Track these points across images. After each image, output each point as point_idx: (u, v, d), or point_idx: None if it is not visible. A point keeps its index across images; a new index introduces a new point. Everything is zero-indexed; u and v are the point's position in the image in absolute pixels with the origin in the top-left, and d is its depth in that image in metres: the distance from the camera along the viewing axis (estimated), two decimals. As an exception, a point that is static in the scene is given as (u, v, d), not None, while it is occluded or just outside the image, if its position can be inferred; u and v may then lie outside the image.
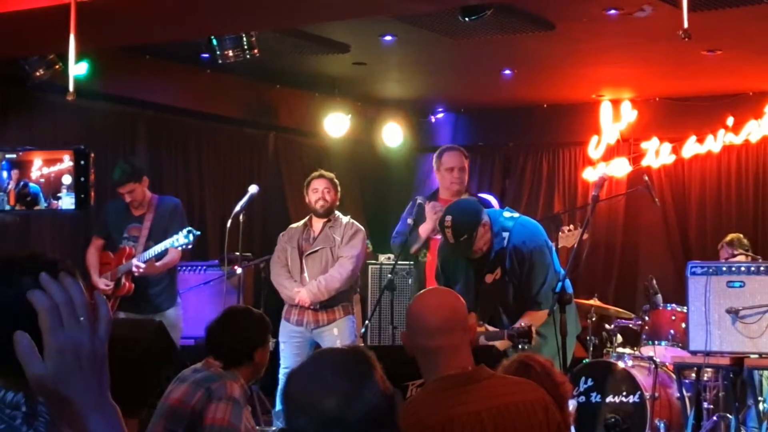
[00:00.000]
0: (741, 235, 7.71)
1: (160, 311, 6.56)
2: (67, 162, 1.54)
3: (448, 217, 5.09)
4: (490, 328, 5.13)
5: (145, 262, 6.41)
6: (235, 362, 4.01)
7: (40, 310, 1.37)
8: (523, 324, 5.00)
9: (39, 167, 1.58)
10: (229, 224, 6.60)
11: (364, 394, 1.93)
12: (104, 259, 6.63)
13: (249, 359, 4.02)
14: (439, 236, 6.04)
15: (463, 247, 5.09)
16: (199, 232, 6.47)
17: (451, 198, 6.05)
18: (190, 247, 6.46)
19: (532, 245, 5.21)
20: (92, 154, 1.58)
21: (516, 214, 5.40)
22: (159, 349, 4.91)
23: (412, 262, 6.31)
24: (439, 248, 5.59)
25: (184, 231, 6.37)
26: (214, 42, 6.67)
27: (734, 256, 7.25)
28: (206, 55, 7.36)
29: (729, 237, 7.70)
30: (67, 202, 1.75)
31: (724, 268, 5.88)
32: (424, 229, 6.09)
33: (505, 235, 5.20)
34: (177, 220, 6.54)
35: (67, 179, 1.56)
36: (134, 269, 6.41)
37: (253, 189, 6.75)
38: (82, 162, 1.57)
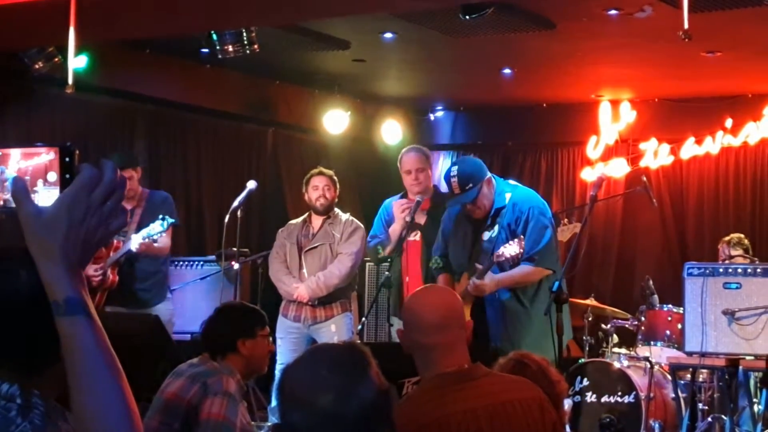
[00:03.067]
0: (742, 236, 7.68)
1: (149, 306, 6.50)
2: (44, 157, 1.55)
3: (454, 168, 5.27)
4: (479, 265, 5.16)
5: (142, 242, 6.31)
6: (218, 351, 3.99)
7: (84, 168, 1.44)
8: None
9: (17, 160, 1.58)
10: (226, 220, 6.59)
11: (360, 390, 1.93)
12: (98, 253, 6.56)
13: (232, 349, 4.00)
14: (414, 237, 6.08)
15: (467, 197, 5.16)
16: (173, 220, 6.39)
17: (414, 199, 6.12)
18: (163, 235, 6.35)
19: (531, 204, 5.31)
20: (77, 151, 1.60)
21: (519, 184, 5.53)
22: (155, 344, 4.90)
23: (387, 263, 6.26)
24: (443, 218, 5.65)
25: (159, 220, 6.28)
26: (214, 37, 6.65)
27: (731, 256, 7.24)
28: (206, 50, 7.34)
29: (729, 236, 7.67)
30: (44, 196, 1.76)
31: (721, 270, 5.88)
32: (393, 230, 6.11)
33: (507, 195, 5.28)
34: (166, 213, 6.47)
35: (52, 176, 1.57)
36: (137, 248, 6.26)
37: (251, 185, 6.74)
38: (68, 159, 1.59)
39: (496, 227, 5.28)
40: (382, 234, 6.30)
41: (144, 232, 6.26)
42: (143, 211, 6.50)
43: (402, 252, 6.08)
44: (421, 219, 6.13)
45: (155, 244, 6.36)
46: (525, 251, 5.19)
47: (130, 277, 6.49)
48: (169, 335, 5.55)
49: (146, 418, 3.87)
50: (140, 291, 6.52)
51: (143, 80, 8.13)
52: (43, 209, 1.45)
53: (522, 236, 5.12)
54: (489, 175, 5.33)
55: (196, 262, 7.61)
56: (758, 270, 5.81)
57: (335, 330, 6.54)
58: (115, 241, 6.44)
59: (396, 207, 6.17)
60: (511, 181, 5.56)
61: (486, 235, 5.32)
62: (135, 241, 6.27)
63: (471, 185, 5.19)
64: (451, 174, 5.24)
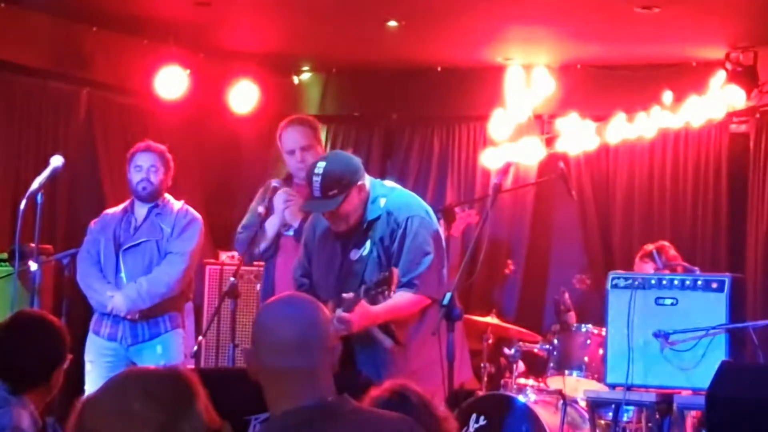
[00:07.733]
0: (666, 244, 7.71)
1: None
2: None
3: (322, 164, 5.18)
4: (346, 295, 5.09)
5: None
6: (25, 386, 3.98)
7: None
8: (378, 278, 5.03)
9: None
10: (23, 206, 6.47)
11: (183, 429, 1.90)
12: None
13: (45, 381, 3.99)
14: (290, 233, 6.07)
15: (327, 205, 5.13)
16: None
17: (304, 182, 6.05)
18: None
19: (410, 212, 5.29)
20: None
21: (398, 186, 5.50)
22: None
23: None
24: (305, 226, 5.60)
25: None
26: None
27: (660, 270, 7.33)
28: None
29: (649, 247, 7.58)
30: None
31: (653, 281, 6.00)
32: (271, 224, 6.10)
33: (382, 202, 5.27)
34: None
35: None
36: None
37: (56, 161, 6.63)
38: None
39: (368, 243, 5.26)
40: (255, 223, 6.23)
41: None
42: None
43: (277, 251, 6.07)
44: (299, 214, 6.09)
45: None
46: (401, 274, 5.17)
47: None
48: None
49: None
50: None
51: None
52: None
53: (394, 267, 5.06)
54: (363, 181, 5.24)
55: (-20, 262, 7.48)
56: (699, 282, 5.94)
57: (162, 352, 6.54)
58: None
59: (278, 199, 6.13)
60: (389, 183, 5.50)
61: (354, 254, 5.29)
62: None
63: (336, 191, 5.11)
64: (315, 171, 5.15)
